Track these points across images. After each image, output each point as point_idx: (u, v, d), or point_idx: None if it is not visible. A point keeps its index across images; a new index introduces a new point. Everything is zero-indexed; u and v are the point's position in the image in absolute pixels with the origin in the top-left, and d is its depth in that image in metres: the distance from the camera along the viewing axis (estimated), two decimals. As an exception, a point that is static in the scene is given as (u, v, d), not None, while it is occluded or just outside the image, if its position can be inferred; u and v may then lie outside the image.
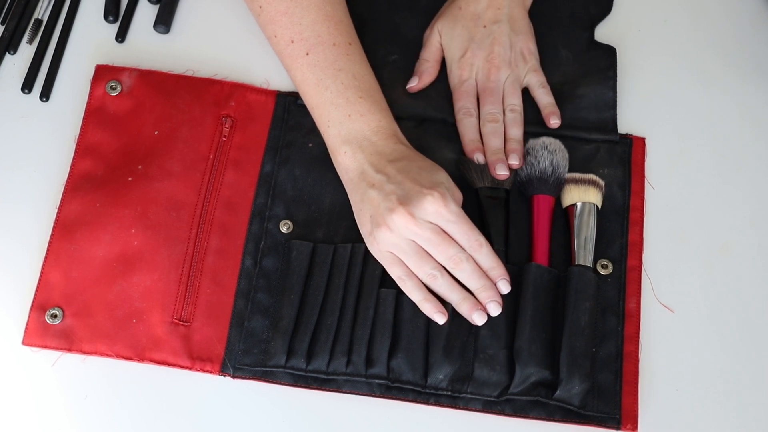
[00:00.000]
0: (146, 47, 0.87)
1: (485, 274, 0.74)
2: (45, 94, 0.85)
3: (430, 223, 0.73)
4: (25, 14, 0.88)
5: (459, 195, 0.76)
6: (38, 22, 0.88)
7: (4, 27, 0.88)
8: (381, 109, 0.78)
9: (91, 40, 0.88)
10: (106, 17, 0.88)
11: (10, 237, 0.80)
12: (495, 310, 0.73)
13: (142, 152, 0.81)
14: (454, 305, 0.74)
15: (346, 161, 0.77)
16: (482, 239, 0.74)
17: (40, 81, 0.86)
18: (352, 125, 0.77)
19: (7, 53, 0.87)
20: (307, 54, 0.79)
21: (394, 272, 0.75)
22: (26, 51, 0.87)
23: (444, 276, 0.73)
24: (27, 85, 0.85)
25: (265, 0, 0.80)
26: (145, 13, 0.89)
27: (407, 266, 0.74)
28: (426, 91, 0.84)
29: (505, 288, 0.74)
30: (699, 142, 0.84)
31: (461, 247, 0.73)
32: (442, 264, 0.74)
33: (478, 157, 0.79)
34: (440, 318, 0.73)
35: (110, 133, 0.82)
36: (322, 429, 0.74)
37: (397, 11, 0.88)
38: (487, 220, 0.77)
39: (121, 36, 0.87)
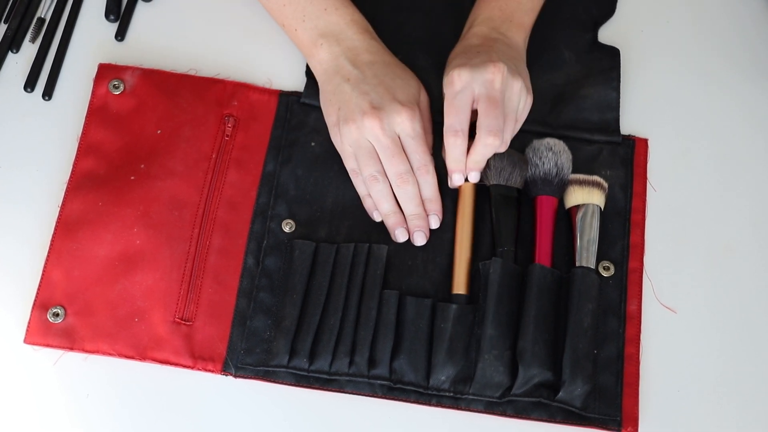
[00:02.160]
0: (149, 46, 0.87)
1: (421, 202, 0.78)
2: (47, 93, 0.85)
3: (395, 134, 0.77)
4: (27, 13, 0.88)
5: (427, 99, 0.82)
6: (41, 20, 0.88)
7: (6, 26, 0.87)
8: (351, 4, 0.83)
9: (93, 39, 0.88)
10: (107, 16, 0.88)
11: (12, 235, 0.80)
12: (420, 240, 0.78)
13: (144, 151, 0.81)
14: (382, 214, 0.79)
15: (322, 54, 0.80)
16: (431, 166, 0.78)
17: (42, 80, 0.85)
18: (328, 18, 0.81)
19: (9, 52, 0.87)
20: None
21: (349, 164, 0.80)
22: (29, 50, 0.87)
23: (385, 183, 0.78)
24: (29, 84, 0.85)
25: None
26: (146, 12, 0.89)
27: (358, 162, 0.79)
28: (431, 91, 0.83)
29: (435, 223, 0.79)
30: (701, 143, 0.84)
31: (411, 167, 0.78)
32: (390, 177, 0.78)
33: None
34: (375, 216, 0.79)
35: (113, 132, 0.82)
36: (324, 429, 0.74)
37: (400, 11, 0.88)
38: (498, 218, 0.77)
39: (120, 35, 0.87)
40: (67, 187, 0.80)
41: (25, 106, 0.85)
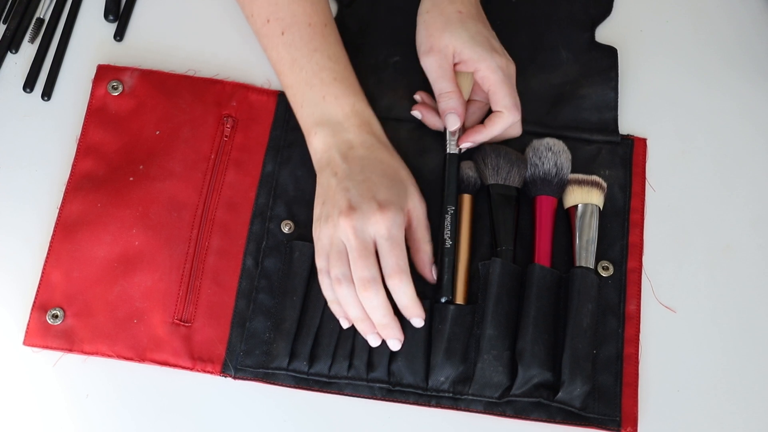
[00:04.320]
0: (148, 47, 0.87)
1: (390, 312, 0.71)
2: (46, 94, 0.85)
3: (369, 236, 0.71)
4: (26, 13, 0.88)
5: (421, 205, 0.76)
6: (40, 21, 0.88)
7: (5, 26, 0.87)
8: (355, 92, 0.78)
9: (92, 40, 0.88)
10: (106, 16, 0.88)
11: (12, 237, 0.80)
12: (394, 346, 0.73)
13: (143, 152, 0.81)
14: (350, 320, 0.73)
15: (316, 143, 0.77)
16: (406, 274, 0.71)
17: (41, 80, 0.85)
18: (325, 107, 0.77)
19: (8, 52, 0.87)
20: (282, 33, 0.78)
21: (319, 262, 0.74)
22: (28, 50, 0.87)
23: (349, 287, 0.71)
24: (29, 85, 0.85)
25: None
26: (145, 12, 0.89)
27: (329, 262, 0.73)
28: (429, 90, 0.83)
29: (418, 324, 0.73)
30: (700, 142, 0.84)
31: (380, 271, 0.71)
32: (354, 280, 0.71)
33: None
34: (343, 323, 0.74)
35: (112, 132, 0.82)
36: (324, 430, 0.74)
37: (398, 13, 0.88)
38: (497, 218, 0.77)
39: (119, 35, 0.87)
40: (67, 188, 0.80)
41: (25, 107, 0.85)
